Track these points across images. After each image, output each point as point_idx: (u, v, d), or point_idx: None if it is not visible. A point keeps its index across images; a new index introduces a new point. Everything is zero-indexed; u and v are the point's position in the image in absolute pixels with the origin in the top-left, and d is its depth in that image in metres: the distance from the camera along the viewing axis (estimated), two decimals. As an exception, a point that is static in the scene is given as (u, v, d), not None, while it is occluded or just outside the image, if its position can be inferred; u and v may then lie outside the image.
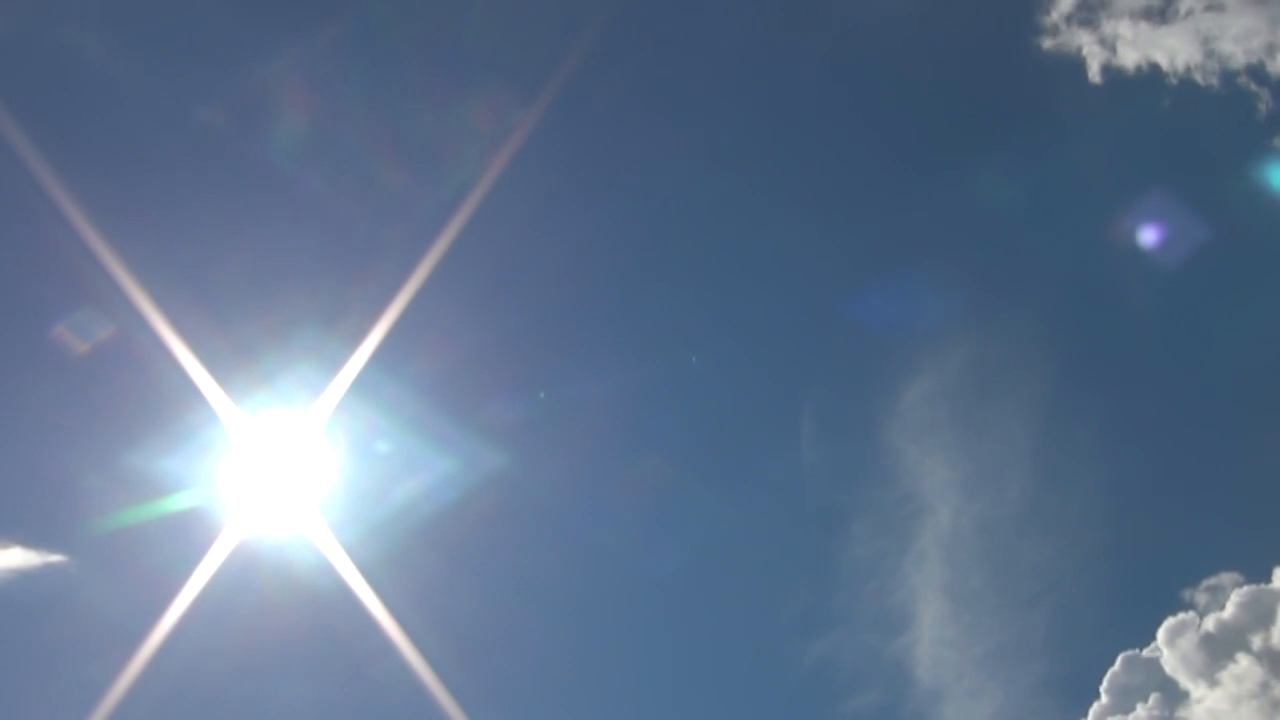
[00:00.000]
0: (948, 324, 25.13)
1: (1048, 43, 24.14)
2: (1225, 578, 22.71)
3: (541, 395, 24.11)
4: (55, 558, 21.97)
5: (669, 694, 25.08)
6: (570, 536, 24.62)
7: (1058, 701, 23.34)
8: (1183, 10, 23.27)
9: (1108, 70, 23.78)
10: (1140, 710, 21.97)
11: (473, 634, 22.43)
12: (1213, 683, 21.44)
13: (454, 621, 22.01)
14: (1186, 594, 23.02)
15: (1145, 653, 22.47)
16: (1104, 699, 22.40)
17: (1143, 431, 25.74)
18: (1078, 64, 23.90)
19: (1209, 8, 23.06)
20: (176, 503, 20.45)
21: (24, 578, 21.87)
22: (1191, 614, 22.26)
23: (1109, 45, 23.67)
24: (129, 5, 22.75)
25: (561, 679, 24.45)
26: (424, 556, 22.26)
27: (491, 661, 22.74)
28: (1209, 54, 23.09)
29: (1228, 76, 23.20)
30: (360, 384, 20.19)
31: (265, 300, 22.11)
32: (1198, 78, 23.31)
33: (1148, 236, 23.91)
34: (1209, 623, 21.98)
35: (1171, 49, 23.28)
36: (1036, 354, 25.24)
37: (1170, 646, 22.10)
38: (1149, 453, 25.70)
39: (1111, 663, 22.65)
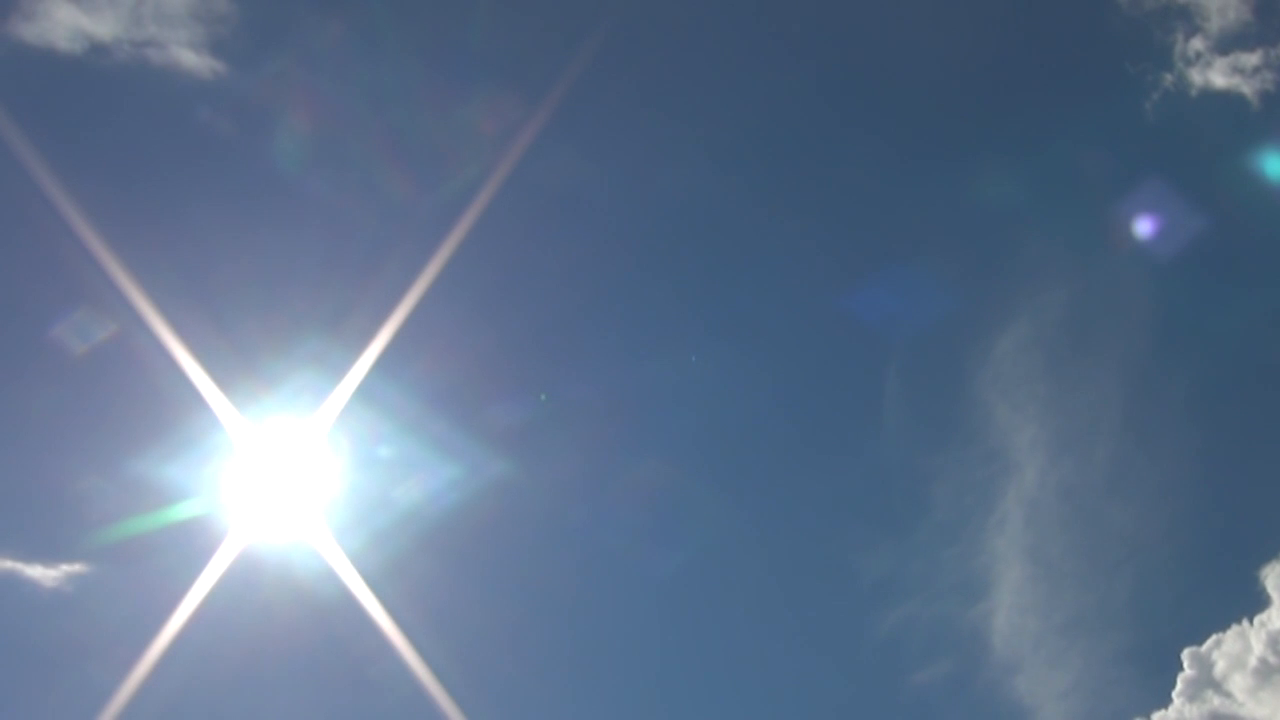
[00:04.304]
0: (1042, 271, 24.94)
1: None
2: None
3: (543, 398, 24.01)
4: (57, 568, 21.89)
5: (723, 681, 24.69)
6: (594, 535, 24.29)
7: (1139, 672, 22.93)
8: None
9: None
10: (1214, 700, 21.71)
11: (479, 640, 22.35)
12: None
13: (460, 628, 21.94)
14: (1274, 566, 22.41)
15: (1228, 633, 22.16)
16: (1185, 680, 22.05)
17: (1238, 393, 25.26)
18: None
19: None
20: (179, 512, 20.35)
21: (25, 586, 21.82)
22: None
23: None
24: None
25: (577, 685, 24.25)
26: (428, 562, 22.18)
27: (498, 668, 22.63)
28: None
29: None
30: (364, 389, 20.15)
31: (268, 305, 22.04)
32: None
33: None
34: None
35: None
36: (1134, 305, 25.00)
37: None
38: (1243, 415, 25.07)
39: (1196, 636, 22.31)
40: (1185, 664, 22.24)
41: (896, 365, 25.49)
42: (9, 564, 21.64)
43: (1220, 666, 21.91)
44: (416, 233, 21.85)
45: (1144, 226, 24.31)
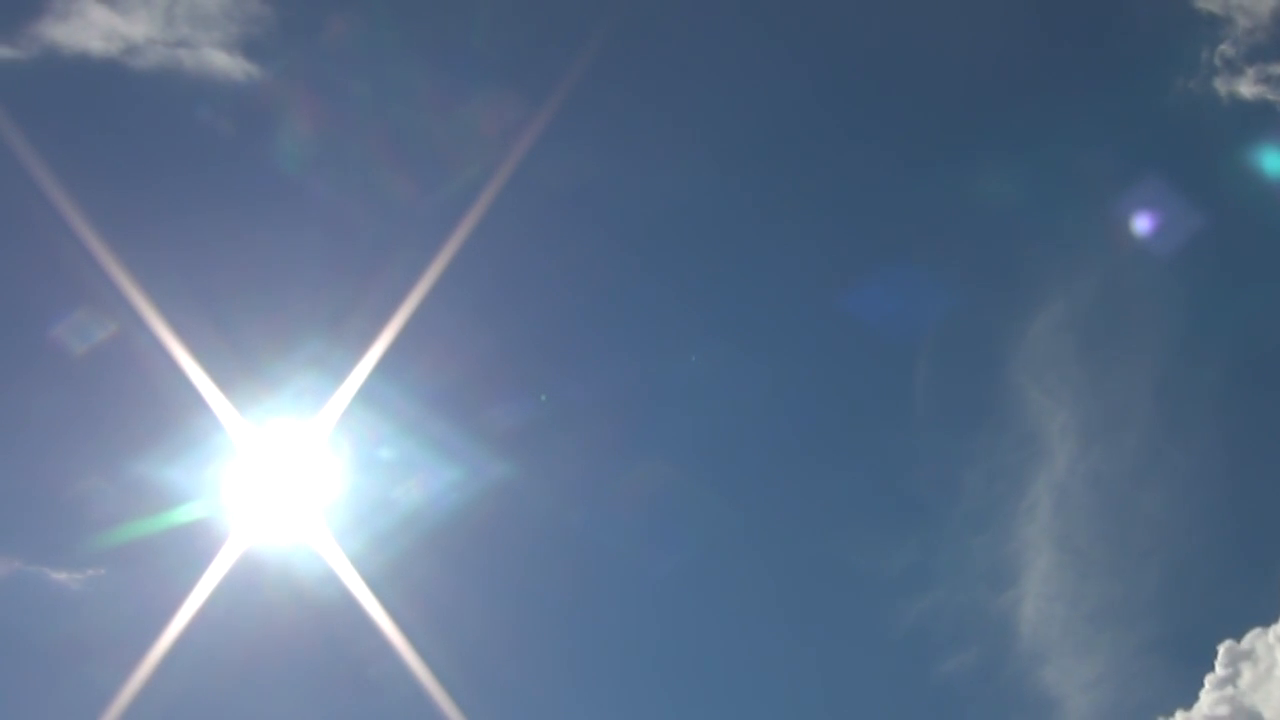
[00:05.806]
0: (1075, 259, 24.93)
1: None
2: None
3: (543, 399, 23.99)
4: (58, 571, 21.93)
5: (747, 671, 24.37)
6: (599, 536, 24.14)
7: (1167, 664, 22.55)
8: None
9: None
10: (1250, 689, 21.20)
11: (480, 642, 22.31)
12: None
13: (461, 629, 21.89)
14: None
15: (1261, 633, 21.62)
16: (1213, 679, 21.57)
17: (1271, 383, 24.84)
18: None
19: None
20: (181, 515, 20.36)
21: (27, 588, 21.85)
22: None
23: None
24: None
25: (578, 686, 24.10)
26: (429, 564, 22.15)
27: (498, 669, 22.60)
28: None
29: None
30: (365, 391, 20.15)
31: (270, 307, 22.06)
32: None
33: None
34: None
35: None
36: (1168, 294, 24.89)
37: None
38: (1276, 405, 24.65)
39: (1226, 628, 21.81)
40: (1220, 655, 21.77)
41: (926, 353, 25.40)
42: (11, 565, 21.73)
43: (1249, 668, 21.41)
44: (418, 234, 21.91)
45: (1174, 219, 24.38)
